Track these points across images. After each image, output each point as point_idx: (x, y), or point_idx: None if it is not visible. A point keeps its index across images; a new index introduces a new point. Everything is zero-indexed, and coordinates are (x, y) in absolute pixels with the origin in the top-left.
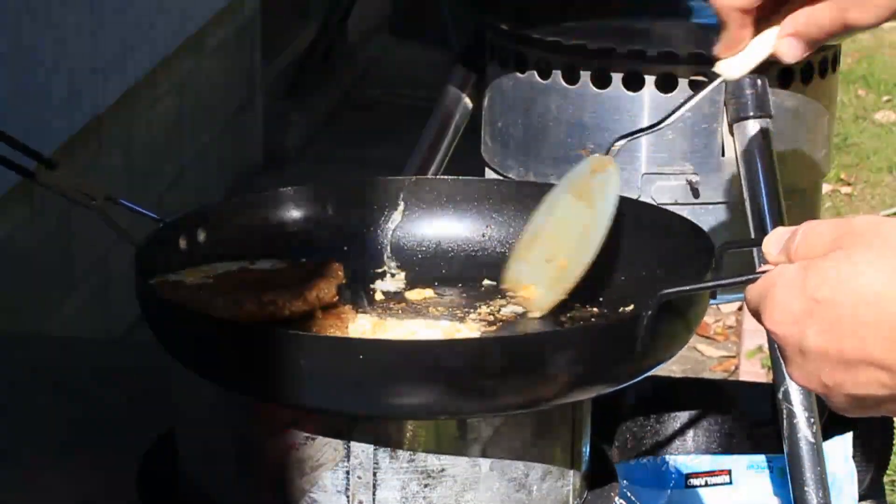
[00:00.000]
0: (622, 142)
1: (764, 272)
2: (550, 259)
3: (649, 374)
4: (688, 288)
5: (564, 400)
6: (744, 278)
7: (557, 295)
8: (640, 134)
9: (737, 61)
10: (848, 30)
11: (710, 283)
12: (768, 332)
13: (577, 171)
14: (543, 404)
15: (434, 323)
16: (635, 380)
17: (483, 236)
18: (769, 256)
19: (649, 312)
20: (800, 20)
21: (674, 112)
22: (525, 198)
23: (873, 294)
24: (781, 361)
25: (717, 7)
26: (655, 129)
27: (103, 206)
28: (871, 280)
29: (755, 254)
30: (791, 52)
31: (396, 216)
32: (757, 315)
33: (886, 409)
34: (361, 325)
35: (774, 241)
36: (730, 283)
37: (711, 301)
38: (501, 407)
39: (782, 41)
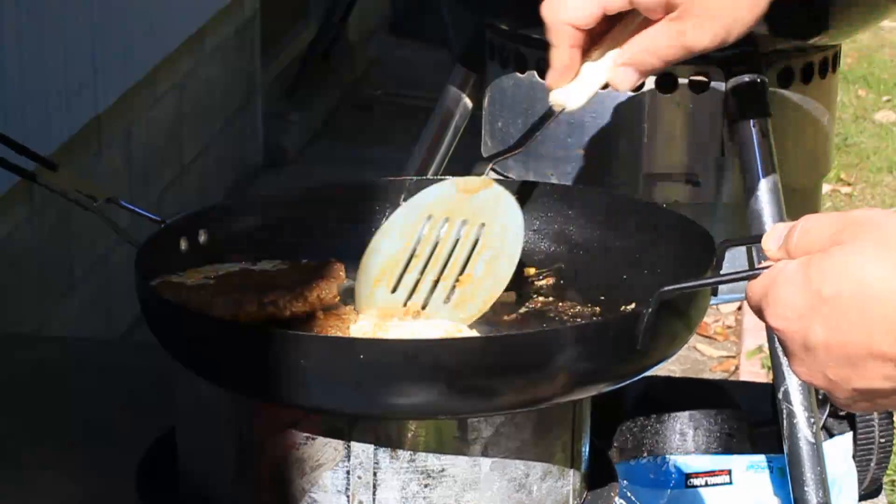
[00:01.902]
0: (488, 166)
1: (764, 268)
2: (443, 279)
3: (650, 373)
4: (687, 285)
5: (565, 398)
6: (744, 274)
7: (476, 310)
8: (506, 155)
9: (574, 90)
10: (687, 54)
11: (709, 280)
12: (771, 329)
13: (437, 194)
14: (544, 403)
15: (436, 323)
16: (636, 378)
17: None
18: (768, 252)
19: (649, 310)
20: (636, 48)
21: (530, 132)
22: (527, 198)
23: (878, 287)
24: (783, 360)
25: (547, 23)
26: (516, 152)
27: (103, 207)
28: (874, 273)
29: (754, 251)
30: (627, 82)
31: None
32: (759, 312)
33: (890, 402)
34: (362, 326)
35: (774, 237)
36: (730, 280)
37: (712, 300)
38: (501, 406)
39: (618, 70)
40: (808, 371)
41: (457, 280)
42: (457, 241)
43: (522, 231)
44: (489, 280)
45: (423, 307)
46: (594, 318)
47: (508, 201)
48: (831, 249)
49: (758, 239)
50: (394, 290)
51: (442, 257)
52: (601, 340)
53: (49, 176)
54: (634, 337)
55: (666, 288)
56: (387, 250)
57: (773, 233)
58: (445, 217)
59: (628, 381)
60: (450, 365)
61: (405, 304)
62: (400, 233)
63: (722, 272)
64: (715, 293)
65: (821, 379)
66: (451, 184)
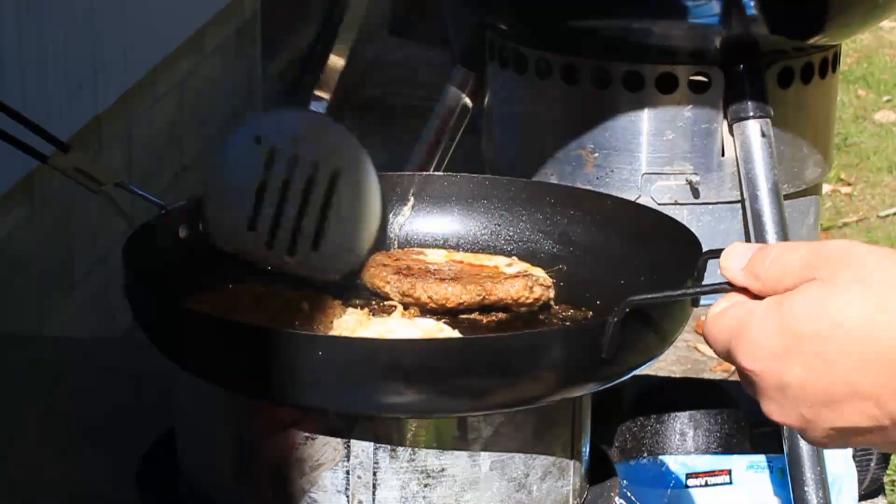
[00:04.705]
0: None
1: (727, 283)
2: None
3: (649, 372)
4: (652, 296)
5: (532, 404)
6: (709, 287)
7: None
8: None
9: None
10: None
11: (675, 293)
12: (742, 370)
13: (278, 125)
14: (508, 407)
15: (418, 322)
16: (603, 387)
17: (491, 234)
18: (727, 272)
19: (615, 319)
20: None
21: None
22: (534, 196)
23: (857, 325)
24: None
25: None
26: None
27: (111, 191)
28: (852, 311)
29: None
30: None
31: (406, 211)
32: (727, 354)
33: (866, 439)
34: (346, 321)
35: (736, 254)
36: (695, 293)
37: (703, 301)
38: (461, 408)
39: None
40: (781, 411)
41: (320, 226)
42: (310, 182)
43: (378, 183)
44: (360, 231)
45: (291, 253)
46: (578, 323)
47: (359, 150)
48: (806, 286)
49: None
50: (250, 228)
51: (296, 198)
52: (564, 347)
53: (62, 158)
54: (599, 345)
55: (632, 298)
56: (235, 184)
57: (735, 250)
58: (294, 154)
59: (595, 390)
60: (411, 365)
61: (269, 245)
62: (245, 165)
63: (704, 283)
64: (696, 303)
65: (795, 418)
66: (295, 117)
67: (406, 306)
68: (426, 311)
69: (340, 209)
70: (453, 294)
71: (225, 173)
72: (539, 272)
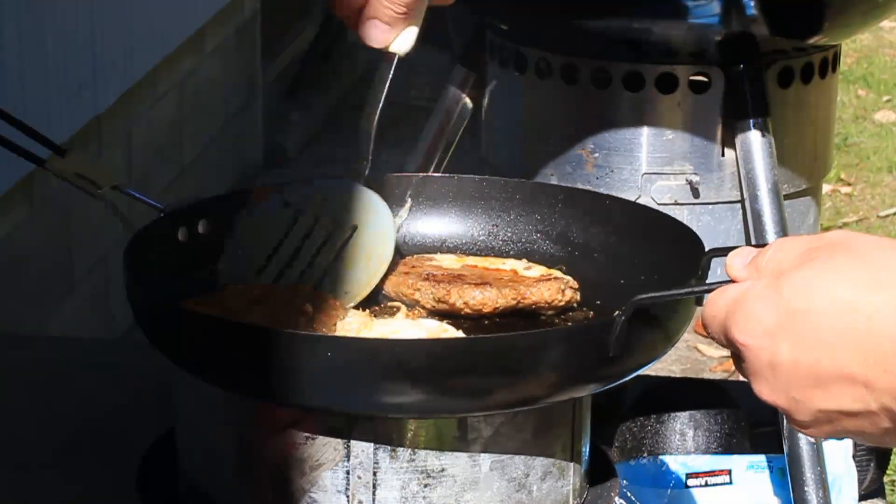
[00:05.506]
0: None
1: (729, 281)
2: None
3: (650, 373)
4: (659, 294)
5: (535, 405)
6: (714, 285)
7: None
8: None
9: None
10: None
11: (681, 291)
12: (735, 345)
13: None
14: (512, 407)
15: (422, 322)
16: (610, 385)
17: (489, 235)
18: (732, 270)
19: (622, 318)
20: None
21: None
22: (532, 197)
23: (851, 304)
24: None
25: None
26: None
27: (109, 194)
28: (848, 290)
29: None
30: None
31: (403, 213)
32: (722, 328)
33: (854, 425)
34: (349, 324)
35: (741, 254)
36: (701, 291)
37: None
38: (466, 408)
39: None
40: (771, 391)
41: (324, 270)
42: (326, 239)
43: (394, 234)
44: (360, 276)
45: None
46: (584, 322)
47: (380, 206)
48: (804, 265)
49: None
50: (259, 273)
51: (310, 251)
52: (572, 346)
53: (59, 162)
54: (606, 344)
55: (639, 297)
56: (256, 241)
57: (740, 252)
58: (315, 216)
59: (602, 389)
60: (422, 365)
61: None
62: (269, 226)
63: (709, 281)
64: (699, 302)
65: (784, 399)
66: (326, 185)
67: (436, 313)
68: (458, 316)
69: (346, 257)
70: (489, 299)
71: (248, 233)
72: (558, 274)
